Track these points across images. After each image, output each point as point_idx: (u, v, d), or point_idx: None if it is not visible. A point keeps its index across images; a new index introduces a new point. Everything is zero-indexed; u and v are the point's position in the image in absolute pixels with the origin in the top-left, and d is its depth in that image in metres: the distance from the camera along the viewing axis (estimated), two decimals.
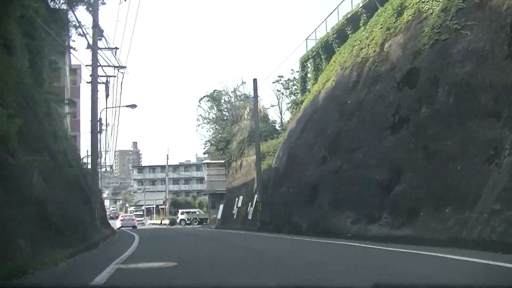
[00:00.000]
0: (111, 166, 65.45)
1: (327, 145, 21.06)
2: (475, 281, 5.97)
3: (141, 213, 76.81)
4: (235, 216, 35.72)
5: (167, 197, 72.45)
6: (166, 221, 64.60)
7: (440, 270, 6.92)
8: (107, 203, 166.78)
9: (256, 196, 30.39)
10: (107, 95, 29.09)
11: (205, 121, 43.31)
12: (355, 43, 22.76)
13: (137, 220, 58.72)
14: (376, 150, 15.98)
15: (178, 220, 61.11)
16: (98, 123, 27.92)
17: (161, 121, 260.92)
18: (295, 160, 24.93)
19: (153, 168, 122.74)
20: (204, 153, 49.11)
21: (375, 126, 16.58)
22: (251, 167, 34.61)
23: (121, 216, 58.65)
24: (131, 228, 48.99)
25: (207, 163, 48.52)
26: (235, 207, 36.37)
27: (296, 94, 36.31)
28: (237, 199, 36.31)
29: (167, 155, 75.32)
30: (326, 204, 18.54)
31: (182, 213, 61.71)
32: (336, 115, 21.44)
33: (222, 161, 44.42)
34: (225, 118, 42.48)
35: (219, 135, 41.06)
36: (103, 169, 67.66)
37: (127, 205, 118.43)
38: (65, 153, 20.94)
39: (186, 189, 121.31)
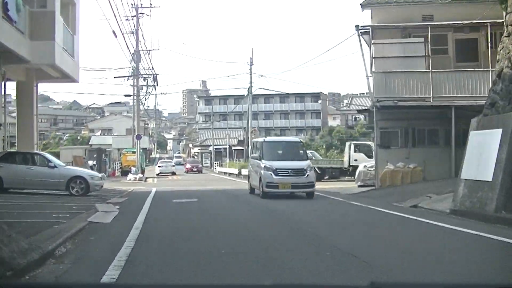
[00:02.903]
0: (155, 77, 37.11)
1: None
2: None
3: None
4: None
5: (251, 130, 42.93)
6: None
7: None
8: (170, 144, 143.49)
9: None
10: None
11: None
12: None
13: None
14: None
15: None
16: None
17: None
18: None
19: (224, 98, 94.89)
20: (362, 6, 18.50)
21: None
22: None
23: (160, 162, 50.70)
24: (170, 174, 44.79)
25: (379, 28, 17.97)
26: None
27: None
28: None
29: (251, 58, 43.94)
30: None
31: None
32: None
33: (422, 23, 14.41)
34: None
35: None
36: (144, 81, 39.54)
37: (190, 145, 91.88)
38: None
39: (266, 125, 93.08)
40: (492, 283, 4.29)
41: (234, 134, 79.96)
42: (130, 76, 34.14)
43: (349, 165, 28.50)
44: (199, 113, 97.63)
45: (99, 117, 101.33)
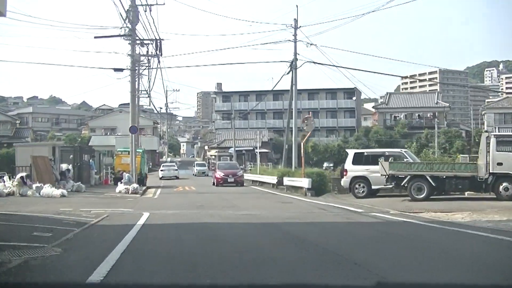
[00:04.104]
0: (158, 44, 25.39)
1: None
2: None
3: None
4: None
5: (303, 118, 30.39)
6: (300, 181, 24.01)
7: None
8: (184, 147, 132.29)
9: None
10: None
11: None
12: None
13: None
14: None
15: (346, 181, 20.00)
16: None
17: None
18: None
19: (244, 95, 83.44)
20: None
21: None
22: None
23: (162, 166, 48.59)
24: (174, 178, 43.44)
25: None
26: None
27: None
28: None
29: (295, 19, 31.97)
30: None
31: (365, 157, 20.19)
32: None
33: None
34: None
35: None
36: (144, 47, 27.58)
37: (206, 147, 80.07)
38: None
39: (292, 125, 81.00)
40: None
41: (256, 135, 68.42)
42: (119, 36, 22.25)
43: (489, 173, 16.31)
44: (216, 111, 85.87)
45: (103, 115, 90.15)
